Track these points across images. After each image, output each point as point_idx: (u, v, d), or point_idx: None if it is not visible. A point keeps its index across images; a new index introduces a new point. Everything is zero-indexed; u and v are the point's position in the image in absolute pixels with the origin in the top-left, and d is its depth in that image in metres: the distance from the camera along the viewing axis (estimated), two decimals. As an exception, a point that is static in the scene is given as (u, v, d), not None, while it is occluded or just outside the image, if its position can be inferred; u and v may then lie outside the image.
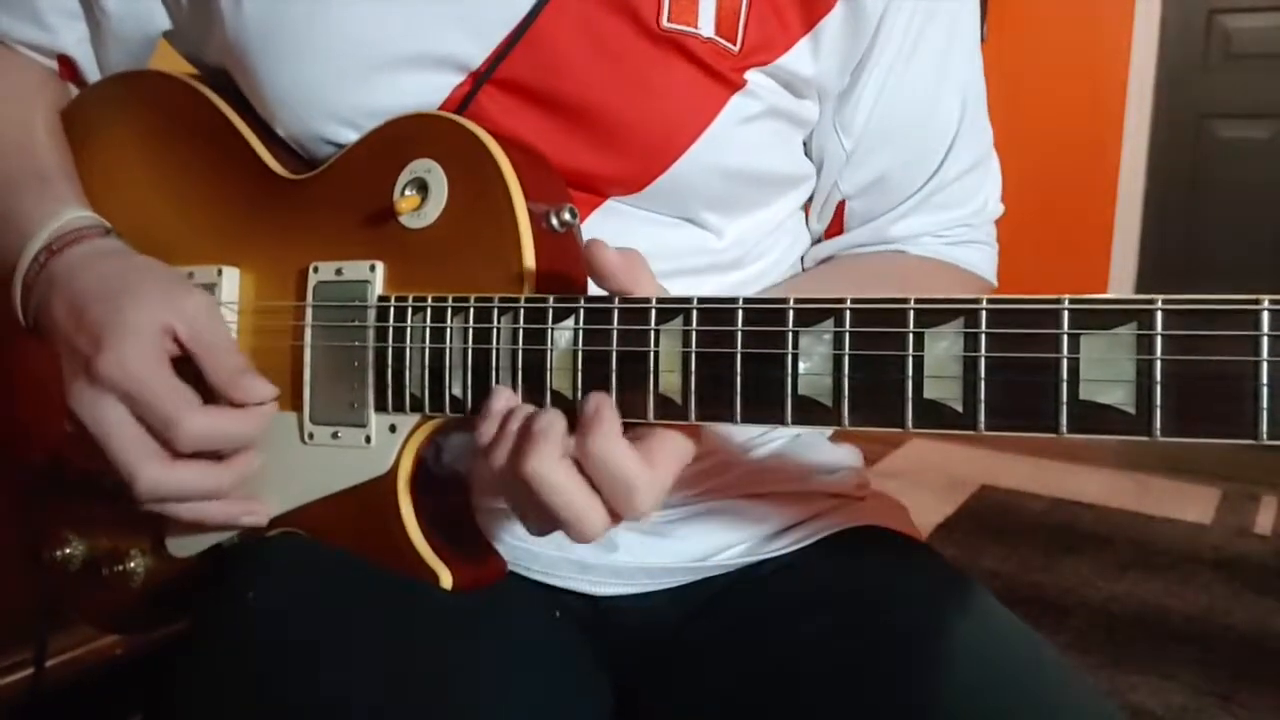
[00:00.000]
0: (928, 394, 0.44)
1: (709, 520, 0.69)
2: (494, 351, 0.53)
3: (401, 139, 0.59)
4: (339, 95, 0.61)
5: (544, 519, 0.50)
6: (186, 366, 0.58)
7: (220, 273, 0.64)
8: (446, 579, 0.58)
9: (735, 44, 0.60)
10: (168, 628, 0.73)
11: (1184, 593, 2.08)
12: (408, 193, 0.58)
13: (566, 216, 0.56)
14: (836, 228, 0.72)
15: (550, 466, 0.48)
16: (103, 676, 1.26)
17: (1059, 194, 3.34)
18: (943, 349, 0.43)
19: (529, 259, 0.54)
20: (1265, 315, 0.38)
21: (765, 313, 0.47)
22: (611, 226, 0.62)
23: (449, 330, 0.55)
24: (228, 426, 0.58)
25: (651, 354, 0.49)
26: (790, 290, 0.57)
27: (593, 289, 0.53)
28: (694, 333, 0.48)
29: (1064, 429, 0.41)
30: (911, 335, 0.44)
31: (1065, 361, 0.41)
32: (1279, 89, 3.14)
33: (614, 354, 0.50)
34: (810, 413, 0.46)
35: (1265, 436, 0.39)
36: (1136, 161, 3.35)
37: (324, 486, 0.61)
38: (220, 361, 0.59)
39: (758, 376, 0.47)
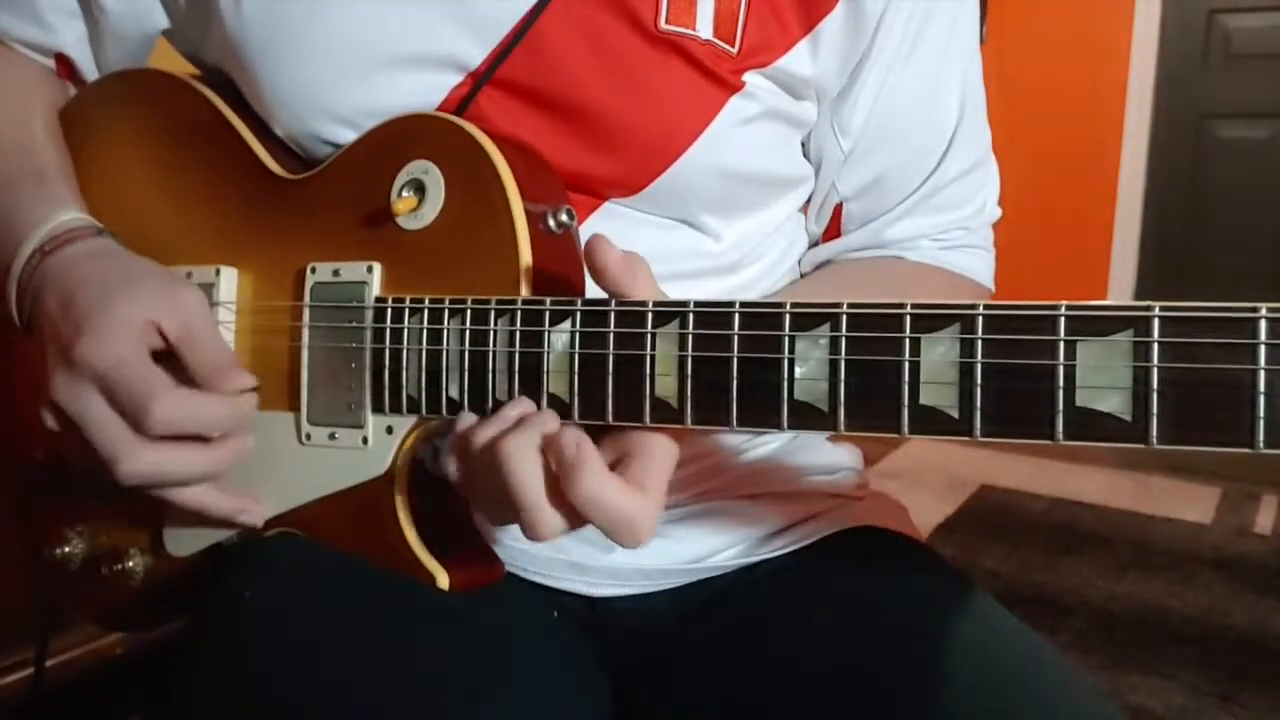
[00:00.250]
0: (924, 400, 0.44)
1: (706, 521, 0.69)
2: (491, 353, 0.53)
3: (399, 140, 0.59)
4: (337, 95, 0.61)
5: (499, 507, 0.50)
6: (171, 363, 0.58)
7: (218, 272, 0.64)
8: (444, 580, 0.58)
9: (734, 46, 0.60)
10: (168, 626, 0.73)
11: (1184, 593, 2.08)
12: (405, 194, 0.58)
13: (564, 218, 0.56)
14: (834, 231, 0.72)
15: (521, 449, 0.48)
16: (103, 676, 1.26)
17: (1059, 194, 3.34)
18: (939, 355, 0.43)
19: (526, 260, 0.54)
20: (1263, 323, 0.38)
21: (761, 317, 0.47)
22: (610, 228, 0.62)
23: (446, 332, 0.55)
24: (201, 409, 0.57)
25: (648, 357, 0.49)
26: (787, 297, 0.57)
27: (591, 291, 0.53)
28: (690, 336, 0.48)
29: (1060, 436, 0.41)
30: (908, 340, 0.44)
31: (1062, 368, 0.41)
32: (1279, 89, 3.14)
33: (610, 357, 0.50)
34: (806, 417, 0.46)
35: (1262, 445, 0.38)
36: (1136, 161, 3.35)
37: (321, 487, 0.61)
38: (203, 357, 0.58)
39: (754, 381, 0.47)
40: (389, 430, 0.58)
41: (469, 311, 0.54)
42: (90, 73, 0.74)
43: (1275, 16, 3.13)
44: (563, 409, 0.51)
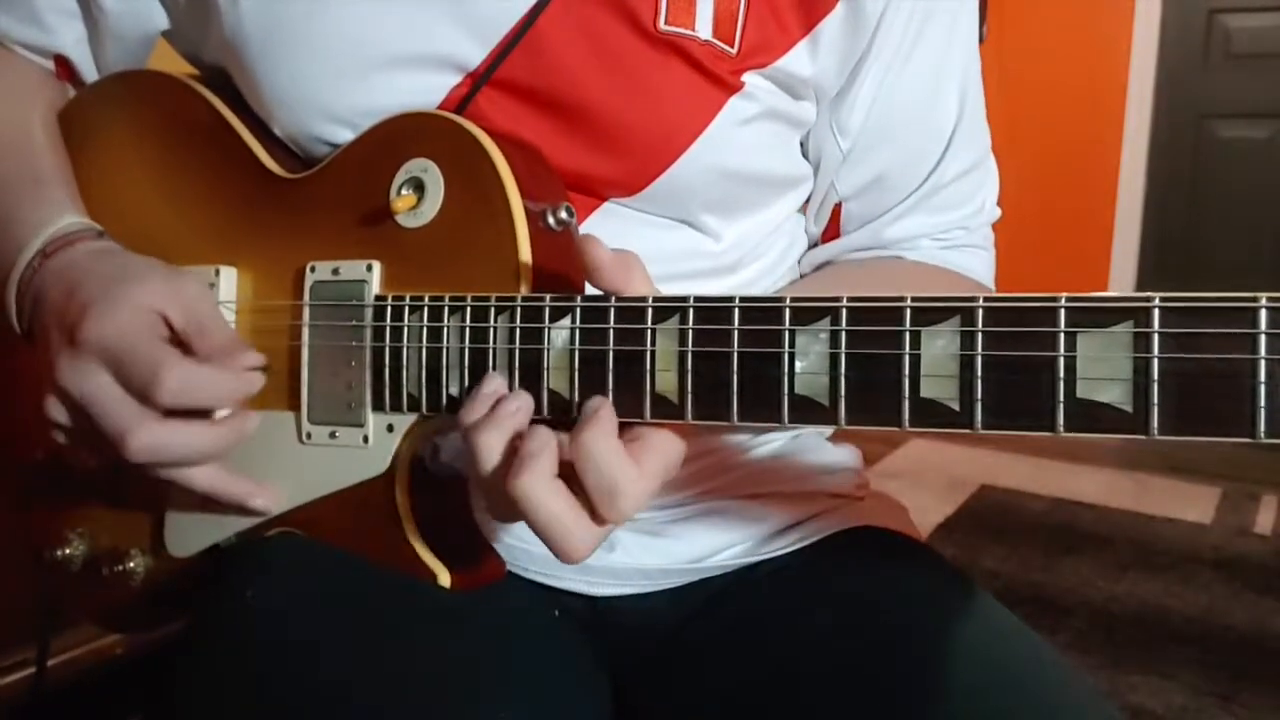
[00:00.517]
0: (924, 393, 0.44)
1: (707, 521, 0.69)
2: (491, 351, 0.53)
3: (397, 138, 0.59)
4: (336, 95, 0.61)
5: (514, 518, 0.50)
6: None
7: (218, 272, 0.64)
8: (445, 578, 0.58)
9: (733, 46, 0.60)
10: (168, 627, 0.73)
11: (1184, 593, 2.08)
12: (404, 192, 0.58)
13: (563, 215, 0.56)
14: (833, 231, 0.72)
15: (542, 485, 0.47)
16: (103, 676, 1.26)
17: (1059, 194, 3.35)
18: (939, 348, 0.43)
19: (525, 258, 0.54)
20: (1263, 313, 0.38)
21: (762, 312, 0.47)
22: (610, 228, 0.62)
23: (446, 330, 0.55)
24: (211, 381, 0.57)
25: (648, 353, 0.49)
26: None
27: (590, 288, 0.53)
28: (690, 332, 0.48)
29: (1061, 428, 0.41)
30: (908, 334, 0.44)
31: (1062, 360, 0.41)
32: (1279, 89, 3.14)
33: (610, 353, 0.50)
34: (807, 412, 0.46)
35: (1263, 435, 0.38)
36: (1136, 161, 3.35)
37: (322, 486, 0.61)
38: (211, 338, 0.58)
39: (754, 376, 0.47)
40: (390, 428, 0.58)
41: (469, 309, 0.54)
42: (89, 74, 0.74)
43: (1275, 16, 3.13)
44: (563, 406, 0.51)
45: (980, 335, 0.43)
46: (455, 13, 0.59)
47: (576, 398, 0.51)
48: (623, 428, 0.50)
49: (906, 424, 0.44)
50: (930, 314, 0.44)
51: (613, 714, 0.65)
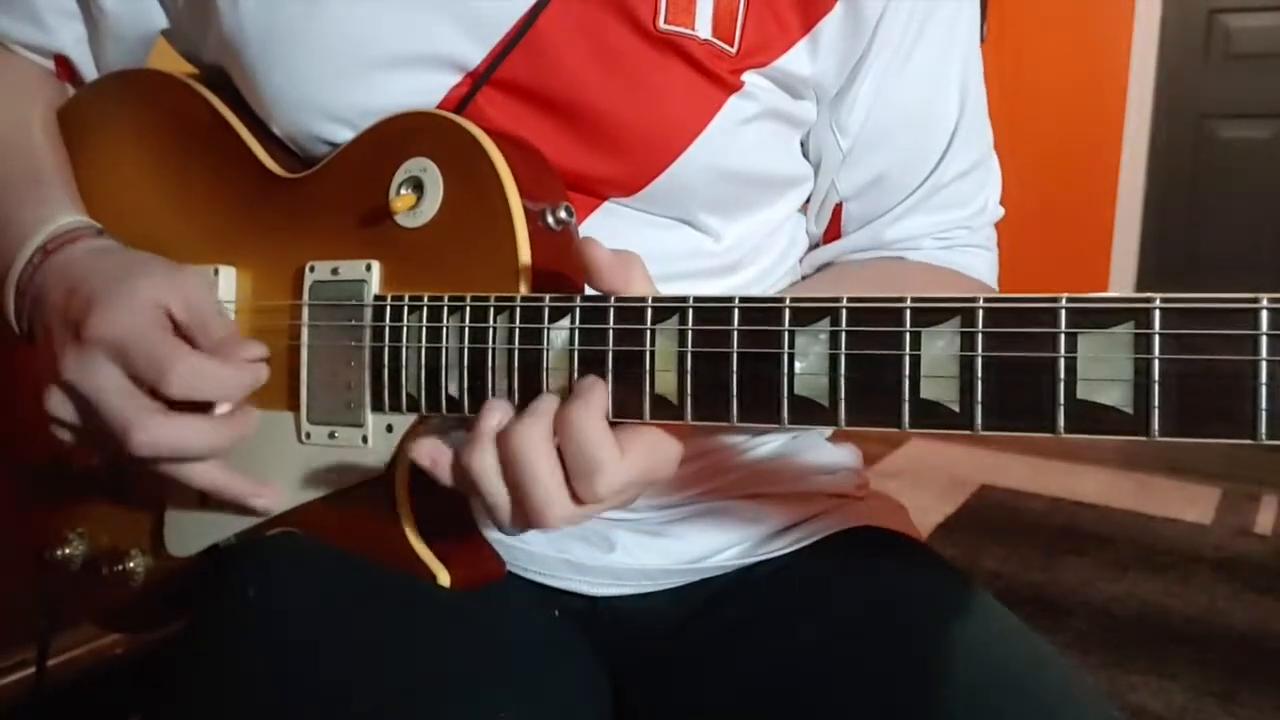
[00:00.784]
0: (924, 394, 0.44)
1: (707, 521, 0.69)
2: (490, 351, 0.53)
3: (396, 137, 0.59)
4: (335, 95, 0.61)
5: (502, 503, 0.51)
6: None
7: (217, 272, 0.64)
8: (444, 578, 0.58)
9: (732, 46, 0.60)
10: (168, 627, 0.73)
11: (1184, 593, 2.08)
12: (403, 192, 0.58)
13: (563, 215, 0.56)
14: (834, 232, 0.72)
15: (536, 439, 0.49)
16: (103, 676, 1.26)
17: (1059, 194, 3.35)
18: (939, 348, 0.43)
19: (525, 258, 0.54)
20: (1264, 314, 0.38)
21: (761, 312, 0.47)
22: (609, 228, 0.62)
23: (445, 330, 0.55)
24: (219, 374, 0.57)
25: (647, 354, 0.49)
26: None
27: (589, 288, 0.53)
28: (690, 332, 0.48)
29: (1061, 429, 0.41)
30: (908, 334, 0.44)
31: (1062, 361, 0.41)
32: (1279, 89, 3.14)
33: (610, 353, 0.50)
34: (807, 413, 0.46)
35: (1264, 436, 0.38)
36: (1136, 161, 3.36)
37: (321, 486, 0.61)
38: (215, 332, 0.58)
39: (754, 376, 0.47)
40: (389, 429, 0.58)
41: (468, 309, 0.54)
42: (89, 73, 0.74)
43: (1275, 16, 3.13)
44: (562, 406, 0.51)
45: (980, 336, 0.43)
46: (455, 12, 0.59)
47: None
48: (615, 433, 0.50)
49: (906, 425, 0.44)
50: (930, 314, 0.44)
51: (613, 714, 0.65)
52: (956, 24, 0.67)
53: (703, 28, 0.59)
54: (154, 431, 0.56)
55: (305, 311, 0.61)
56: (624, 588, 0.68)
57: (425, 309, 0.56)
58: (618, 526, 0.68)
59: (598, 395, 0.49)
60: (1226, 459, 2.72)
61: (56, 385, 0.57)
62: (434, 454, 0.52)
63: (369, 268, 0.58)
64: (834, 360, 0.45)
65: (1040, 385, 0.41)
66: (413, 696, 0.52)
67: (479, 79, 0.60)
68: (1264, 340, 0.38)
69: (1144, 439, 0.40)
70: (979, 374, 0.43)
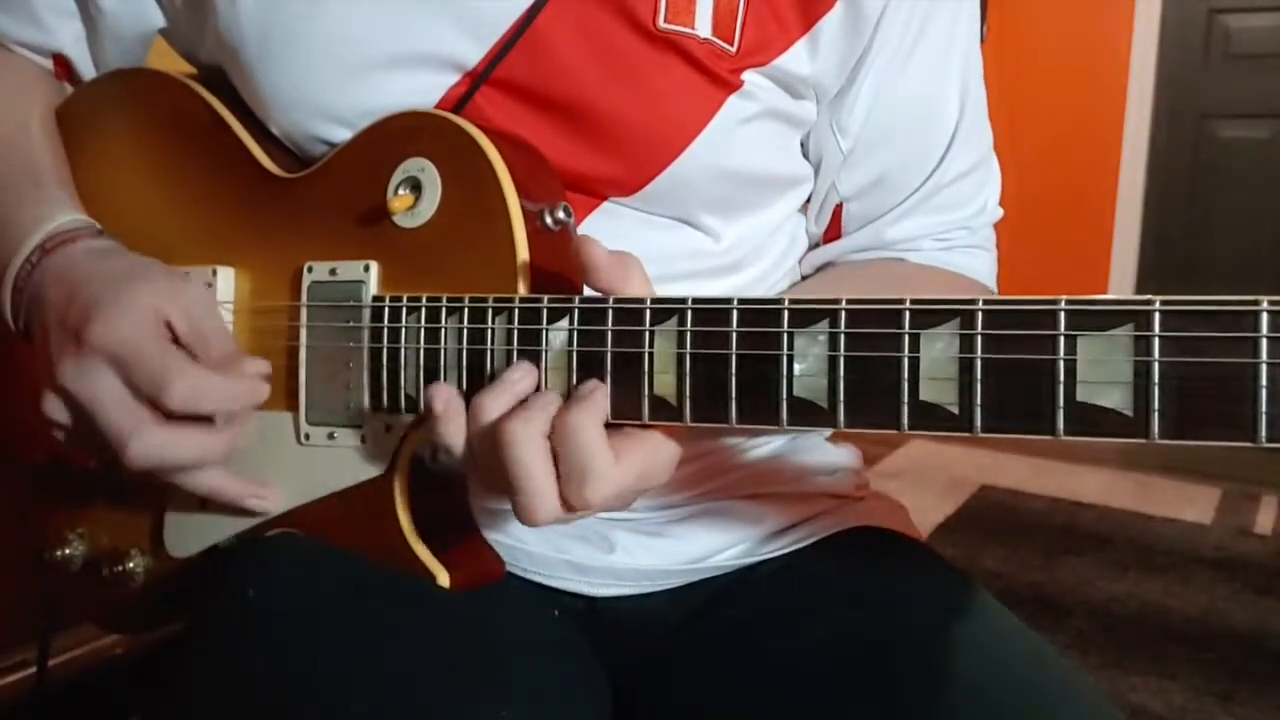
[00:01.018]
0: (923, 396, 0.44)
1: (706, 521, 0.69)
2: (489, 352, 0.53)
3: (394, 137, 0.59)
4: (334, 94, 0.61)
5: (498, 482, 0.50)
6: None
7: (215, 273, 0.64)
8: (444, 578, 0.58)
9: (732, 45, 0.60)
10: (168, 627, 0.73)
11: (1184, 593, 2.08)
12: (401, 192, 0.58)
13: (561, 215, 0.56)
14: (834, 232, 0.72)
15: (532, 433, 0.48)
16: (103, 676, 1.26)
17: (1059, 194, 3.34)
18: (939, 350, 0.43)
19: (523, 258, 0.54)
20: (1264, 316, 0.38)
21: (760, 313, 0.47)
22: (609, 228, 0.62)
23: (444, 330, 0.55)
24: (220, 387, 0.57)
25: (646, 355, 0.49)
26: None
27: (587, 289, 0.53)
28: (689, 333, 0.48)
29: (1060, 431, 0.41)
30: (907, 336, 0.44)
31: (1062, 363, 0.41)
32: (1279, 89, 3.14)
33: (609, 355, 0.50)
34: (806, 414, 0.46)
35: (1264, 439, 0.38)
36: (1136, 161, 3.35)
37: (321, 487, 0.61)
38: (215, 346, 0.58)
39: (753, 378, 0.47)
40: (388, 429, 0.58)
41: (466, 310, 0.54)
42: (88, 73, 0.74)
43: (1275, 16, 3.13)
44: (561, 407, 0.51)
45: (980, 338, 0.43)
46: (453, 12, 0.59)
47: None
48: (621, 427, 0.50)
49: (905, 427, 0.44)
50: (929, 316, 0.44)
51: (612, 714, 0.65)
52: (957, 24, 0.67)
53: (702, 27, 0.59)
54: (150, 442, 0.56)
55: (303, 312, 0.61)
56: (624, 588, 0.68)
57: (424, 310, 0.56)
58: (618, 527, 0.68)
59: (598, 401, 0.49)
60: (1226, 459, 2.72)
61: (54, 391, 0.57)
62: (449, 398, 0.52)
63: (367, 268, 0.58)
64: (833, 362, 0.45)
65: (1039, 387, 0.41)
66: (412, 697, 0.52)
67: (478, 79, 0.60)
68: (1264, 343, 0.38)
69: (1143, 441, 0.40)
70: (978, 376, 0.43)
